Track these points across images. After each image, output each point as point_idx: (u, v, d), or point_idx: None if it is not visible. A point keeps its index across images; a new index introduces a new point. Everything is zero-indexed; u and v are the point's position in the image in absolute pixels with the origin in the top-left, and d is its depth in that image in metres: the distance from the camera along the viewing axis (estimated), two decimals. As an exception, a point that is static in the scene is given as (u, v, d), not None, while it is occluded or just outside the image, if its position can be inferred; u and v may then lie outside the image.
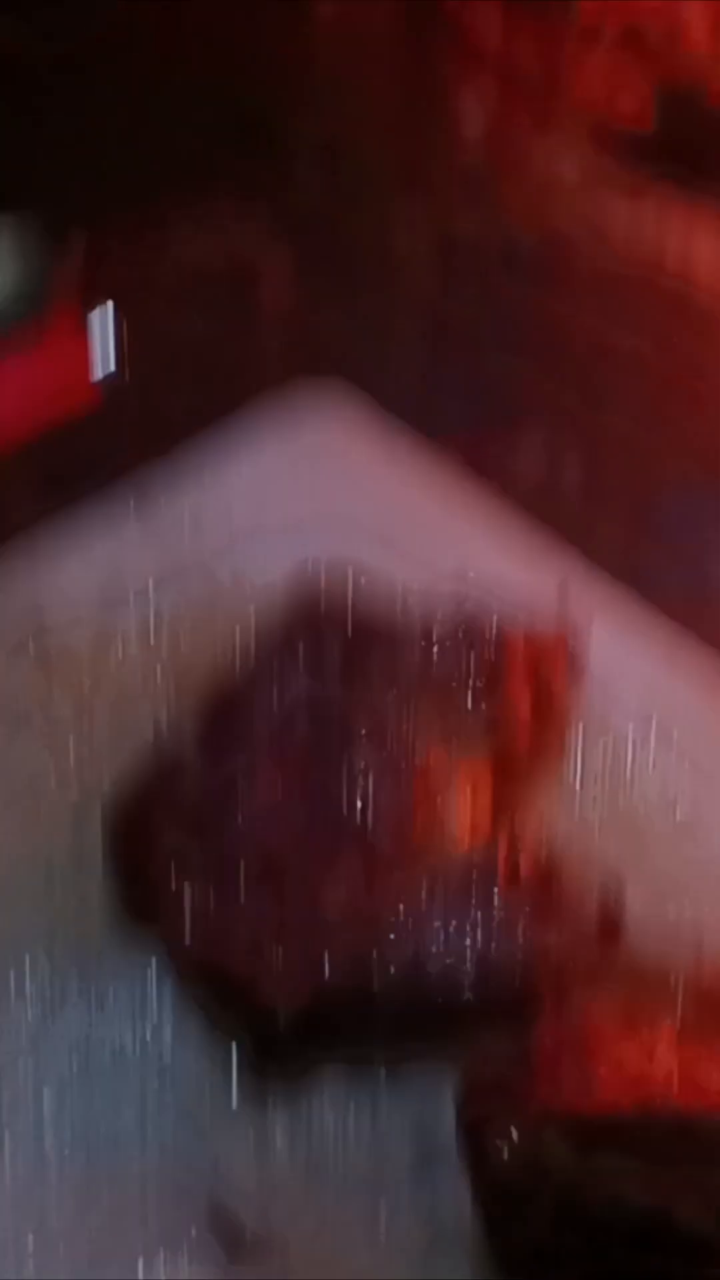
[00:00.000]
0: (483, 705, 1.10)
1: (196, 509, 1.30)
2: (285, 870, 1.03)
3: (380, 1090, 1.01)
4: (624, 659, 1.19)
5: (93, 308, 1.39)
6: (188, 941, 1.01)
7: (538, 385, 1.40)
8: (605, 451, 1.37)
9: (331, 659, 1.12)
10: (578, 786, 1.14)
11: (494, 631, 1.13)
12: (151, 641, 1.22)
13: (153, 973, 1.05)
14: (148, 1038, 1.03)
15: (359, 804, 1.05)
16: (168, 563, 1.27)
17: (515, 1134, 0.84)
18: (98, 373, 1.37)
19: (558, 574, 1.22)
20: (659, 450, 1.35)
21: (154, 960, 1.05)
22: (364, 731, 1.09)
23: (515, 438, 1.37)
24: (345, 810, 1.05)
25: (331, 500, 1.30)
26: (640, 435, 1.36)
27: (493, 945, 1.00)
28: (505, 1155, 0.85)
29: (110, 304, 1.39)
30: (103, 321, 1.39)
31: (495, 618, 1.14)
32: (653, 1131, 0.83)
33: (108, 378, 1.39)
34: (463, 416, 1.39)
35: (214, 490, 1.31)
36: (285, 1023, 0.98)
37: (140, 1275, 0.94)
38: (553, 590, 1.17)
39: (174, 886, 1.03)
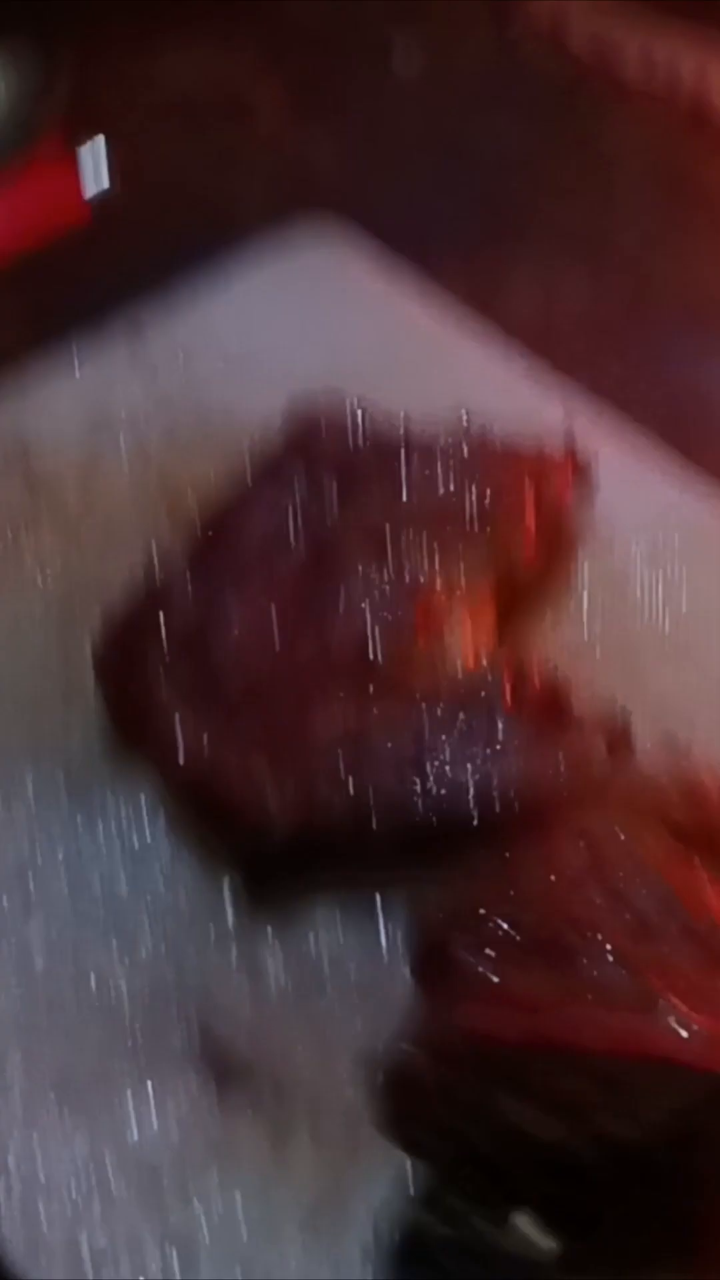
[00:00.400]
0: (486, 524, 1.07)
1: (188, 339, 1.26)
2: (279, 692, 1.00)
3: (375, 917, 0.98)
4: (628, 489, 1.16)
5: (82, 136, 1.34)
6: (180, 762, 0.98)
7: (540, 214, 1.36)
8: (610, 282, 1.33)
9: (328, 481, 1.09)
10: (584, 611, 1.11)
11: (497, 449, 1.09)
12: (141, 469, 1.19)
13: (143, 799, 1.03)
14: (138, 865, 1.01)
15: (356, 625, 1.02)
16: (158, 392, 1.24)
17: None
18: (88, 192, 1.33)
19: (561, 406, 1.19)
20: (666, 278, 1.32)
21: (145, 786, 1.03)
22: (362, 552, 1.05)
23: (516, 269, 1.34)
24: (342, 631, 1.02)
25: (327, 332, 1.27)
26: (647, 260, 1.33)
27: (493, 767, 0.97)
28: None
29: (100, 135, 1.35)
30: (93, 150, 1.35)
31: (499, 438, 1.10)
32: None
33: (98, 196, 1.34)
34: (462, 248, 1.35)
35: (206, 321, 1.28)
36: (278, 840, 0.95)
37: (130, 1104, 0.91)
38: (556, 421, 1.14)
39: (165, 708, 1.00)
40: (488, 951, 0.84)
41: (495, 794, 0.96)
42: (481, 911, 0.86)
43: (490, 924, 0.85)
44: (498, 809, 0.96)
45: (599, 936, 0.84)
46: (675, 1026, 0.80)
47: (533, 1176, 0.81)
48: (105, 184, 1.34)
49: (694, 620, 1.11)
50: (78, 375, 1.24)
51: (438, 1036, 0.82)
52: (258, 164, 1.41)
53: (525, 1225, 0.81)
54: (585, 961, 0.83)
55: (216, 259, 1.31)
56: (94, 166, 1.35)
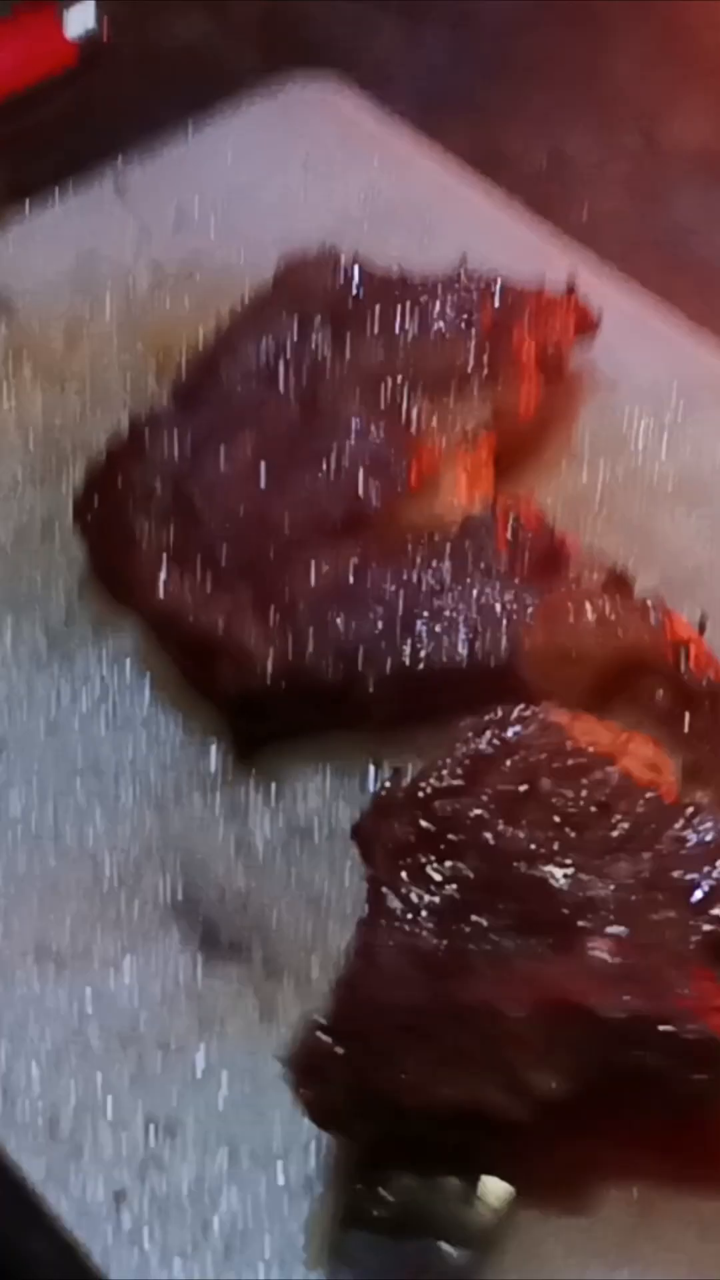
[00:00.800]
0: (484, 368, 1.02)
1: (179, 189, 1.22)
2: (266, 535, 0.96)
3: (364, 771, 0.94)
4: (632, 342, 1.12)
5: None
6: (161, 603, 0.94)
7: (542, 72, 1.33)
8: (613, 140, 1.29)
9: (320, 323, 1.05)
10: (585, 462, 1.07)
11: (496, 292, 1.05)
12: (129, 322, 1.15)
13: (127, 657, 0.99)
14: (120, 719, 0.97)
15: (347, 469, 0.98)
16: (147, 243, 1.20)
17: None
18: (71, 32, 1.29)
19: (564, 260, 1.15)
20: (670, 135, 1.28)
21: (128, 638, 1.00)
22: (353, 396, 1.02)
23: (518, 128, 1.30)
24: (332, 476, 0.98)
25: (323, 185, 1.22)
26: (650, 117, 1.29)
27: (483, 614, 0.93)
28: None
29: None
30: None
31: (498, 281, 1.06)
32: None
33: (84, 38, 1.31)
34: (462, 106, 1.31)
35: (198, 171, 1.24)
36: (261, 682, 0.91)
37: (111, 963, 0.88)
38: (559, 274, 1.09)
39: (147, 550, 0.97)
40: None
41: (485, 641, 0.92)
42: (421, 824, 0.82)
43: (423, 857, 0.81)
44: (487, 656, 0.92)
45: (527, 868, 0.80)
46: (599, 965, 0.76)
47: (458, 1139, 0.78)
48: (91, 24, 1.29)
49: (697, 472, 1.07)
50: (64, 226, 1.20)
51: (345, 1007, 0.78)
52: (255, 19, 1.38)
53: (457, 1189, 0.78)
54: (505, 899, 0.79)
55: (210, 110, 1.27)
56: (80, 9, 1.30)
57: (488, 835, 0.80)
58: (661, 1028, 0.74)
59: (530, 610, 0.93)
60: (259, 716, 0.94)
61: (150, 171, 1.23)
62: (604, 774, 0.82)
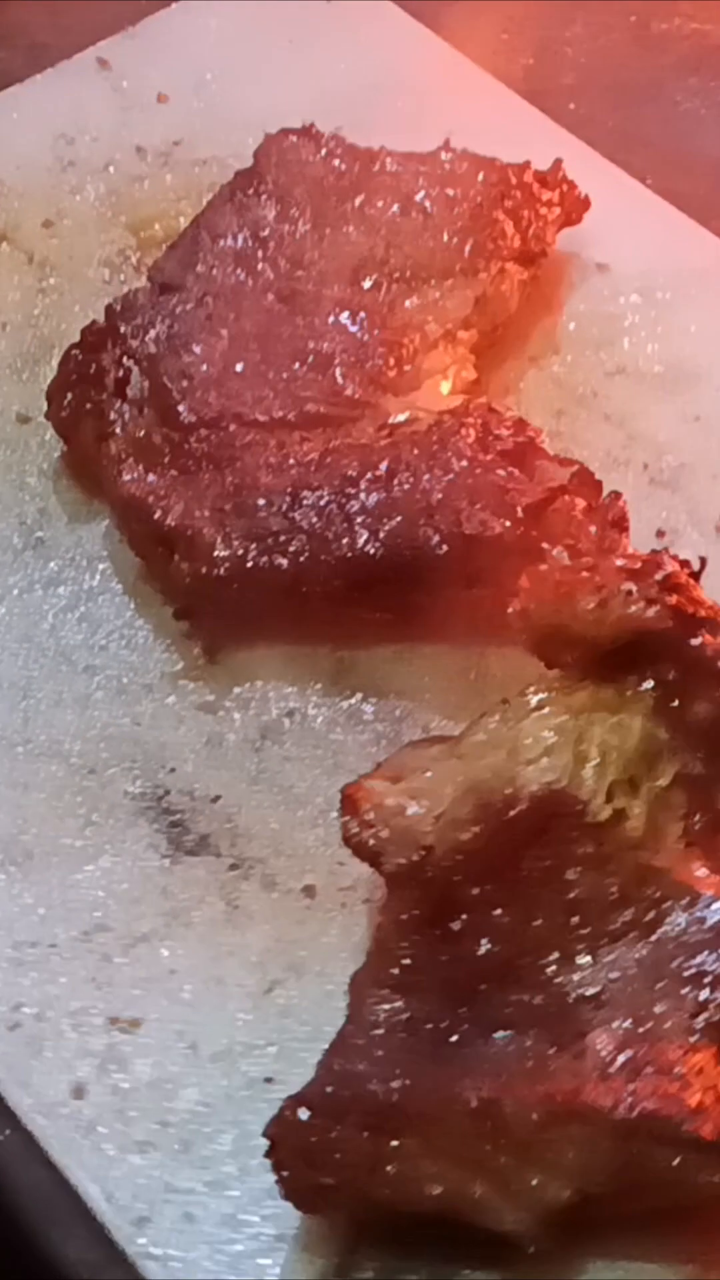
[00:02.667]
0: (466, 253, 1.01)
1: (162, 67, 1.20)
2: (235, 423, 0.95)
3: (331, 679, 0.94)
4: (620, 229, 1.10)
5: None
6: (128, 490, 0.94)
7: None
8: (607, 32, 1.27)
9: (299, 201, 1.03)
10: (569, 355, 1.06)
11: (481, 172, 1.03)
12: (110, 197, 1.14)
13: (101, 545, 0.99)
14: (92, 617, 0.96)
15: (322, 353, 0.97)
16: (129, 123, 1.18)
17: None
18: None
19: (553, 147, 1.11)
20: (664, 28, 1.26)
21: (101, 535, 0.99)
22: (334, 278, 1.00)
23: (512, 18, 1.26)
24: (309, 363, 0.97)
25: (309, 64, 1.20)
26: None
27: (443, 508, 0.92)
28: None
29: None
30: None
31: (483, 161, 1.04)
32: None
33: None
34: (459, 11, 1.26)
35: (182, 50, 1.21)
36: (222, 569, 0.90)
37: (79, 874, 0.88)
38: (548, 159, 1.07)
39: (115, 434, 0.96)
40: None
41: (443, 533, 0.91)
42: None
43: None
44: (445, 548, 0.90)
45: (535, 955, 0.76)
46: (606, 1060, 0.72)
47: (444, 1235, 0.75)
48: None
49: (684, 360, 1.06)
50: (43, 104, 1.18)
51: (330, 1083, 0.75)
52: None
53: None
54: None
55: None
56: None
57: (499, 914, 0.77)
58: (678, 1125, 0.71)
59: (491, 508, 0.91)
60: (216, 610, 0.93)
61: (132, 48, 1.21)
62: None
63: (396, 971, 0.76)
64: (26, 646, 0.94)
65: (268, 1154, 0.74)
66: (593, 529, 0.91)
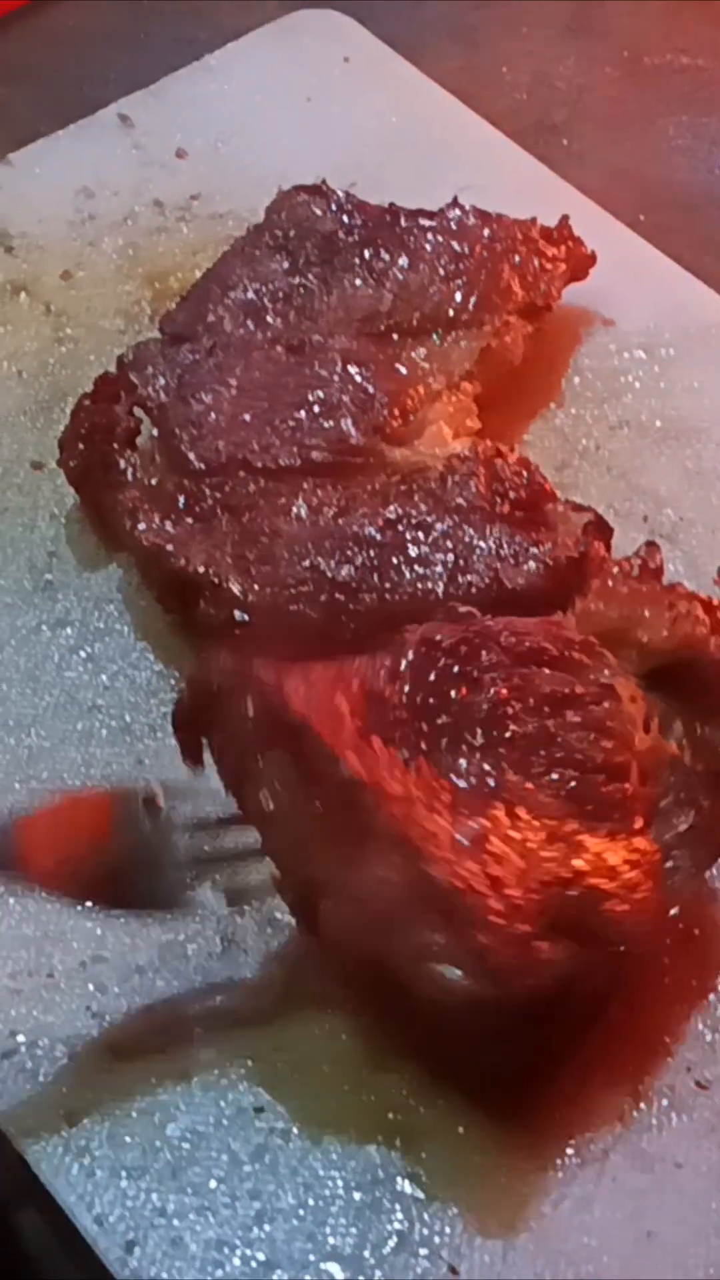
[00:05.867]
0: (471, 307, 1.03)
1: (180, 125, 1.23)
2: (248, 470, 0.97)
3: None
4: (625, 289, 1.12)
5: None
6: (146, 539, 0.96)
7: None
8: (602, 75, 1.30)
9: (311, 255, 1.05)
10: (573, 408, 1.08)
11: (487, 228, 1.05)
12: (128, 251, 1.16)
13: (111, 589, 1.01)
14: (100, 655, 0.98)
15: (332, 404, 0.99)
16: (147, 179, 1.20)
17: None
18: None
19: (556, 199, 1.15)
20: (658, 64, 1.29)
21: (113, 575, 1.01)
22: (341, 331, 1.02)
23: (510, 63, 1.30)
24: (317, 412, 0.99)
25: (321, 122, 1.23)
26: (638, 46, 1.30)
27: (459, 558, 0.94)
28: None
29: None
30: None
31: (489, 218, 1.07)
32: None
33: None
34: (456, 44, 1.31)
35: (199, 107, 1.24)
36: (253, 614, 0.92)
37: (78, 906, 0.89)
38: (552, 213, 1.10)
39: (130, 482, 0.98)
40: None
41: (460, 584, 0.93)
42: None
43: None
44: (468, 593, 0.93)
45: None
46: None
47: None
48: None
49: (686, 416, 1.08)
50: (65, 159, 1.21)
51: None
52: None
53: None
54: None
55: (214, 43, 1.28)
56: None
57: None
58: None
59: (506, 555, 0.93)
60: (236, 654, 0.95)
61: (153, 105, 1.24)
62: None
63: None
64: (33, 685, 0.96)
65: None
66: (635, 566, 0.92)
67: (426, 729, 0.80)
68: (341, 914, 0.79)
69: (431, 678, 0.81)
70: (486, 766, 0.79)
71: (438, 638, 0.83)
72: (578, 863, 0.77)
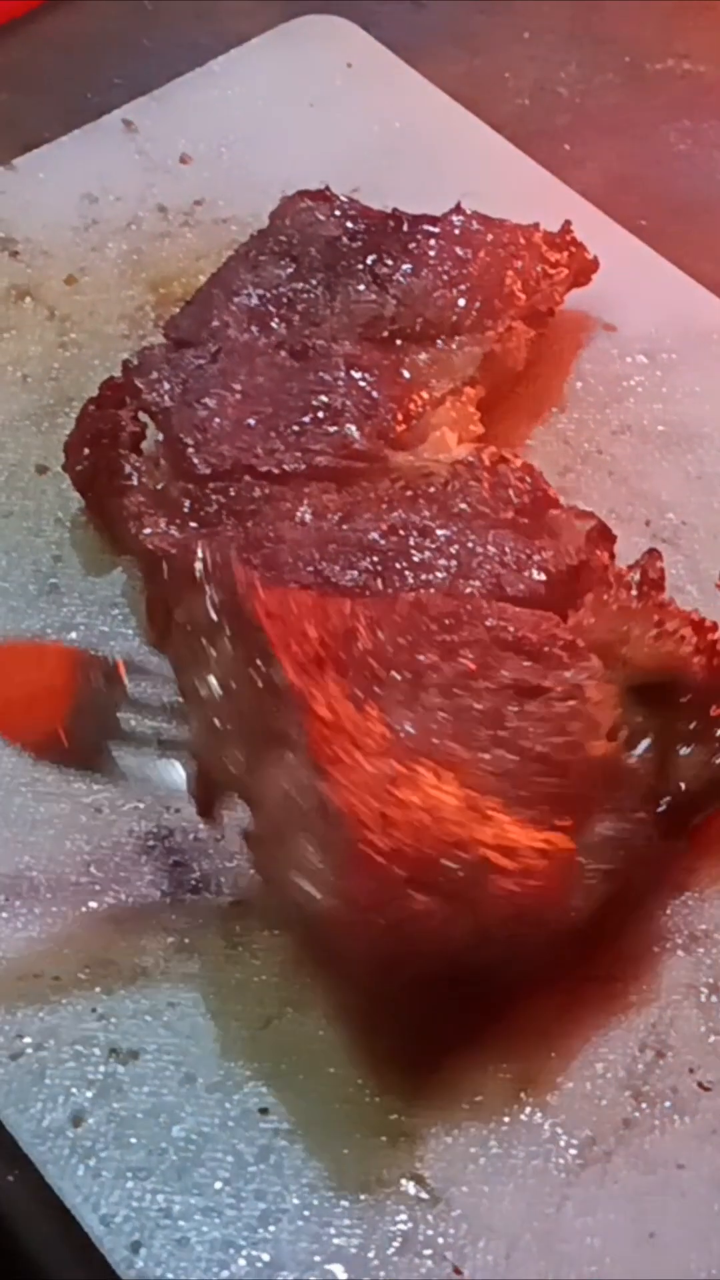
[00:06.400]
0: (474, 313, 1.03)
1: (183, 131, 1.23)
2: (252, 474, 0.98)
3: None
4: (627, 294, 1.13)
5: None
6: (150, 544, 0.96)
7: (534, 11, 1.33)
8: (604, 80, 1.30)
9: (314, 261, 1.06)
10: (576, 413, 1.09)
11: (490, 234, 1.06)
12: (131, 256, 1.17)
13: (115, 593, 1.01)
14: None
15: (336, 409, 1.00)
16: (150, 185, 1.21)
17: None
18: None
19: (558, 204, 1.15)
20: (659, 70, 1.29)
21: (118, 580, 1.01)
22: (345, 336, 1.03)
23: (513, 69, 1.30)
24: (321, 417, 1.00)
25: (329, 126, 1.23)
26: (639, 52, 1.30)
27: (463, 564, 0.94)
28: None
29: None
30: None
31: (492, 223, 1.08)
32: None
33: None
34: (459, 49, 1.31)
35: (202, 113, 1.24)
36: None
37: (83, 911, 0.90)
38: (554, 217, 1.10)
39: (133, 487, 0.98)
40: None
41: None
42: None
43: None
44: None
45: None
46: None
47: None
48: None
49: (688, 420, 1.08)
50: (69, 165, 1.21)
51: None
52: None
53: None
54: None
55: (217, 49, 1.28)
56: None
57: None
58: None
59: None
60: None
61: (157, 110, 1.24)
62: None
63: None
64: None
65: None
66: (634, 578, 0.93)
67: (384, 677, 0.83)
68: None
69: (408, 637, 0.84)
70: (431, 726, 0.82)
71: (428, 604, 0.86)
72: (482, 834, 0.79)
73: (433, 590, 0.92)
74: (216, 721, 0.82)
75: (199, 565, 0.83)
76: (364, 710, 0.81)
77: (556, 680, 0.85)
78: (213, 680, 0.82)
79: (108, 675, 0.86)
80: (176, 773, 0.86)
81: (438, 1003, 0.83)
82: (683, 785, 0.85)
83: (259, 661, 0.81)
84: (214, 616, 0.82)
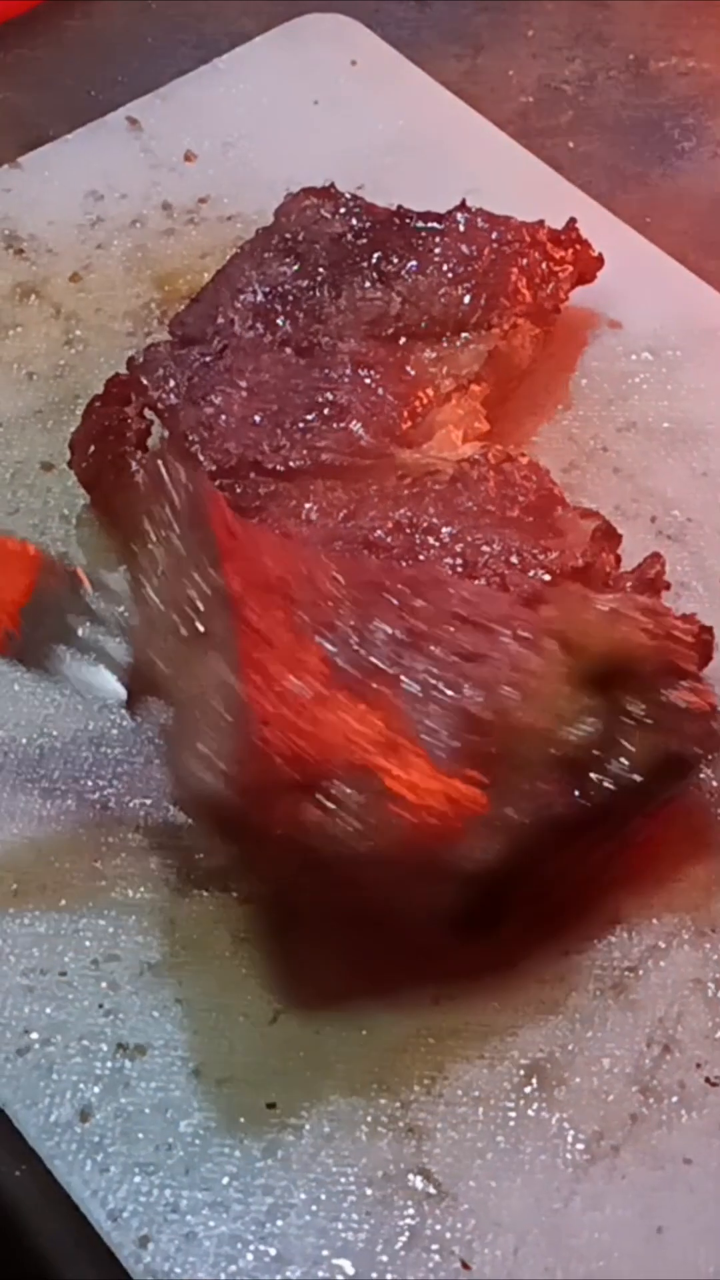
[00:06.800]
0: (479, 310, 1.04)
1: (188, 129, 1.23)
2: (258, 473, 0.98)
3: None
4: (632, 291, 1.13)
5: None
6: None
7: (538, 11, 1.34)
8: (608, 79, 1.30)
9: (320, 261, 1.06)
10: (581, 410, 1.09)
11: (496, 231, 1.06)
12: (137, 254, 1.17)
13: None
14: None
15: (342, 407, 1.00)
16: (156, 181, 1.21)
17: None
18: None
19: (563, 203, 1.15)
20: (662, 69, 1.29)
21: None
22: (350, 334, 1.03)
23: (517, 68, 1.30)
24: (326, 415, 1.00)
25: (333, 123, 1.24)
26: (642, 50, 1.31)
27: (469, 563, 0.94)
28: None
29: None
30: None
31: (497, 221, 1.07)
32: None
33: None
34: (463, 48, 1.32)
35: (208, 111, 1.25)
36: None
37: (91, 906, 0.90)
38: (559, 216, 1.10)
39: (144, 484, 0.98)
40: None
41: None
42: None
43: None
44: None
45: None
46: None
47: None
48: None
49: (693, 417, 1.08)
50: (74, 163, 1.21)
51: None
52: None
53: None
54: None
55: (221, 47, 1.28)
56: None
57: None
58: None
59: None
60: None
61: (161, 108, 1.24)
62: None
63: None
64: (44, 685, 0.96)
65: None
66: (629, 586, 0.93)
67: (332, 621, 0.85)
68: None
69: (368, 594, 0.86)
70: (367, 668, 0.83)
71: (397, 570, 0.88)
72: (389, 765, 0.80)
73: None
74: (156, 616, 0.84)
75: (165, 472, 0.85)
76: (303, 641, 0.83)
77: (502, 651, 0.85)
78: (158, 578, 0.85)
79: (68, 582, 0.89)
80: (115, 685, 0.87)
81: (361, 940, 0.85)
82: (625, 763, 0.84)
83: (204, 563, 0.83)
84: (172, 518, 0.85)
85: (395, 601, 0.86)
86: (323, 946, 0.86)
